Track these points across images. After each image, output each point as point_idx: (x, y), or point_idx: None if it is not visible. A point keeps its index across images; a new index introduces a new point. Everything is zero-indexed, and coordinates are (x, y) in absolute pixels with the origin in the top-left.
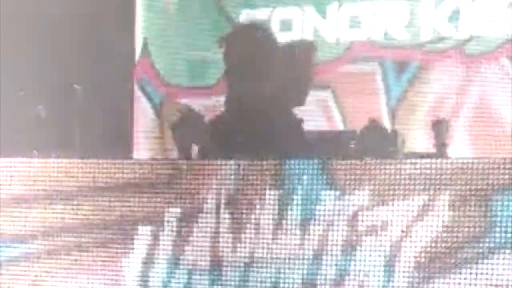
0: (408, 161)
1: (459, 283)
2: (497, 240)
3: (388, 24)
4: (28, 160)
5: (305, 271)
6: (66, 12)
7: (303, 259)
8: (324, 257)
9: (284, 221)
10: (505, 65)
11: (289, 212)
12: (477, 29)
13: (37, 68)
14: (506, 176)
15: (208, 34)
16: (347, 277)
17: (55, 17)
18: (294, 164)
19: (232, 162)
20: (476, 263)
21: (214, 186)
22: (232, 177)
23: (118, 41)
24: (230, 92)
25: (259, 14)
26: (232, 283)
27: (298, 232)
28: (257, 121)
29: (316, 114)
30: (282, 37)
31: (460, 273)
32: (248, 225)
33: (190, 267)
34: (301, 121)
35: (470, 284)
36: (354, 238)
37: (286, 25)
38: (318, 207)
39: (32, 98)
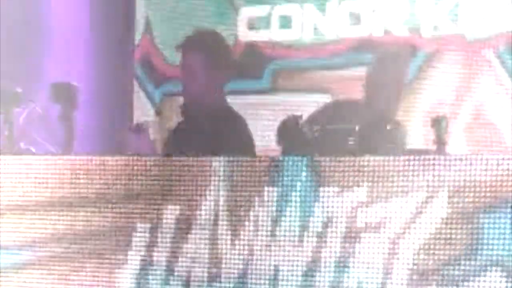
0: (407, 158)
1: (458, 279)
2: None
3: (388, 21)
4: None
5: (304, 269)
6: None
7: (302, 256)
8: (322, 255)
9: (281, 219)
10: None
11: (287, 209)
12: (478, 25)
13: (35, 65)
14: (505, 173)
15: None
16: (345, 274)
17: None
18: (292, 161)
19: (230, 158)
20: (474, 260)
21: (211, 183)
22: (229, 174)
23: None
24: (186, 97)
25: (258, 12)
26: (232, 280)
27: (296, 230)
28: (212, 125)
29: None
30: (281, 35)
31: (459, 270)
32: (245, 223)
33: (188, 262)
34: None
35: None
36: (352, 235)
37: (285, 22)
38: (316, 204)
39: (29, 95)
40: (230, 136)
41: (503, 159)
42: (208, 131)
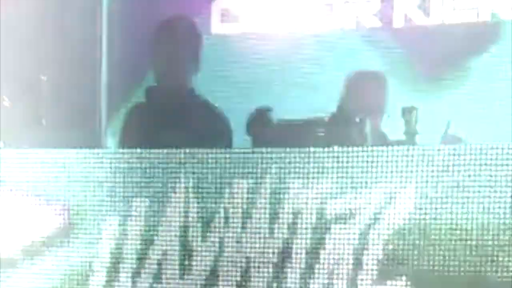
0: (377, 148)
1: (427, 271)
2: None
3: (360, 13)
4: None
5: (274, 260)
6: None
7: (273, 247)
8: (293, 246)
9: (251, 211)
10: None
11: (257, 201)
12: (449, 16)
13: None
14: (477, 162)
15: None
16: (316, 266)
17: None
18: (261, 153)
19: (200, 150)
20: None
21: (181, 176)
22: (199, 166)
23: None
24: (156, 82)
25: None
26: (203, 272)
27: (266, 222)
28: (177, 112)
29: None
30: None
31: (428, 259)
32: (216, 216)
33: (159, 257)
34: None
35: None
36: (322, 226)
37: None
38: (286, 196)
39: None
40: (201, 125)
41: (471, 149)
42: (175, 118)
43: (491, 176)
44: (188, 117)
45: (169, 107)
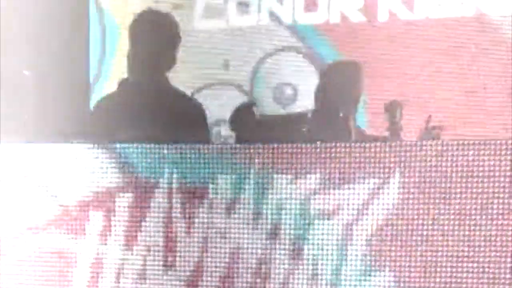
0: (361, 144)
1: (410, 265)
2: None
3: (344, 7)
4: None
5: (258, 255)
6: None
7: (256, 244)
8: (276, 242)
9: (235, 206)
10: None
11: (241, 196)
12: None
13: None
14: (460, 159)
15: None
16: (300, 261)
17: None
18: (245, 148)
19: (183, 145)
20: (428, 244)
21: (164, 170)
22: (182, 161)
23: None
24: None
25: None
26: (187, 268)
27: (250, 217)
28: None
29: None
30: (239, 21)
31: (411, 257)
32: (200, 211)
33: (144, 252)
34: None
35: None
36: (306, 222)
37: (242, 9)
38: (270, 191)
39: None
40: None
41: (456, 144)
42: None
43: (473, 171)
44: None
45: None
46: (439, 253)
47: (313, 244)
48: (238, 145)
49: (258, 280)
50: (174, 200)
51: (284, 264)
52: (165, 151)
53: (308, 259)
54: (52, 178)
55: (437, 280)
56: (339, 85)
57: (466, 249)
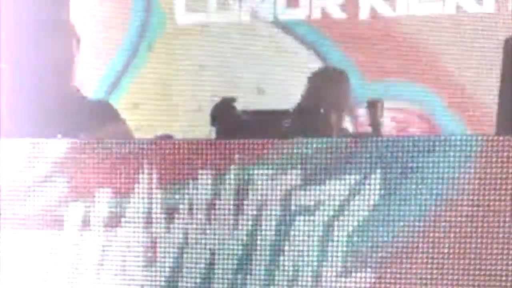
0: (342, 140)
1: (392, 262)
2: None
3: (326, 3)
4: None
5: (239, 252)
6: None
7: (237, 240)
8: (257, 237)
9: (215, 202)
10: None
11: (221, 193)
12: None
13: None
14: (436, 154)
15: None
16: (281, 257)
17: None
18: (226, 143)
19: (166, 141)
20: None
21: (144, 166)
22: (162, 157)
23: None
24: None
25: None
26: (167, 264)
27: (230, 214)
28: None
29: None
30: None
31: (392, 253)
32: (180, 207)
33: (123, 247)
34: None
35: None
36: (287, 218)
37: (223, 5)
38: (250, 187)
39: None
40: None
41: (436, 141)
42: None
43: (454, 167)
44: None
45: None
46: (419, 250)
47: (293, 240)
48: (218, 141)
49: (239, 276)
50: (153, 196)
51: (265, 261)
52: (145, 146)
53: (289, 255)
54: (31, 173)
55: (418, 277)
56: (324, 89)
57: (446, 245)
